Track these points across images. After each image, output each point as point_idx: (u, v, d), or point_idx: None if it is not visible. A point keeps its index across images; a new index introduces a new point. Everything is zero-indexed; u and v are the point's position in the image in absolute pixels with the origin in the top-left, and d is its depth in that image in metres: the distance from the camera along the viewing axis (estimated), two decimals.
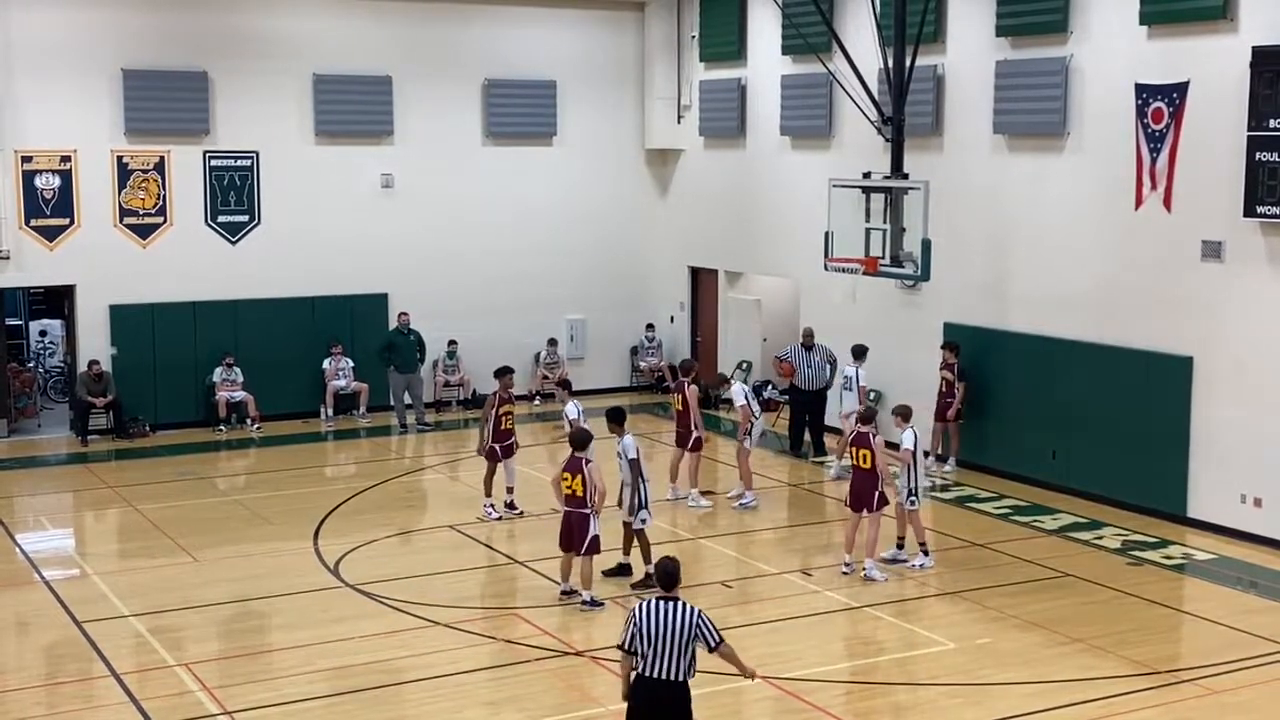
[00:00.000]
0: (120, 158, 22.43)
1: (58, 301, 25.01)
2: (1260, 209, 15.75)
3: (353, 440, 22.80)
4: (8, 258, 21.81)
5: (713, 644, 9.19)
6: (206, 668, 12.65)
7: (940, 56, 20.07)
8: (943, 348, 19.77)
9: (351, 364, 23.64)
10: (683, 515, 17.80)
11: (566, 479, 14.02)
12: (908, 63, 18.08)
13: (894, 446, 15.66)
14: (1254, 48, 15.76)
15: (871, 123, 18.93)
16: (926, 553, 15.59)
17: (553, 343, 25.34)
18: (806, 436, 21.09)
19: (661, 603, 9.13)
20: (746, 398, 18.40)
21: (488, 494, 17.63)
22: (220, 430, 22.68)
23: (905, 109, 18.39)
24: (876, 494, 15.00)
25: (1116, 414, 17.75)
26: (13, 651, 13.55)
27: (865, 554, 15.05)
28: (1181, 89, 16.67)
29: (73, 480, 20.24)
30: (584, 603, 14.05)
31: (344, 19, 23.72)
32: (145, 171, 22.59)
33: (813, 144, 22.56)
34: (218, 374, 22.86)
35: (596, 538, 14.01)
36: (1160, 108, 16.93)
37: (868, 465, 14.99)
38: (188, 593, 14.73)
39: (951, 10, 19.98)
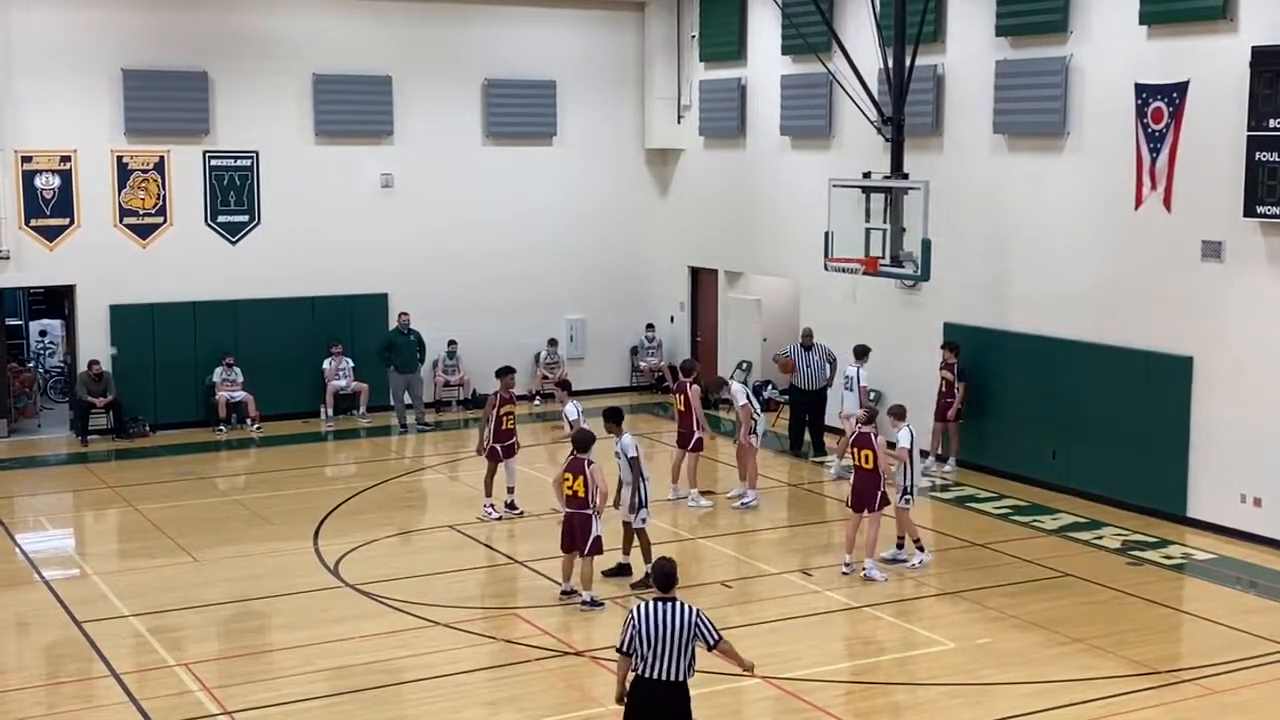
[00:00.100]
0: (120, 158, 22.43)
1: (58, 301, 25.02)
2: (1260, 209, 15.75)
3: (353, 440, 22.80)
4: (8, 258, 21.81)
5: (712, 642, 9.22)
6: (206, 668, 12.65)
7: (940, 56, 20.07)
8: (943, 348, 19.77)
9: (351, 364, 23.64)
10: (683, 515, 17.80)
11: (568, 479, 14.02)
12: (908, 63, 18.07)
13: (892, 446, 15.65)
14: (1254, 48, 15.76)
15: (871, 123, 18.93)
16: (922, 549, 15.60)
17: (553, 343, 25.34)
18: (806, 436, 21.09)
19: (659, 604, 9.14)
20: (747, 397, 18.41)
21: (488, 494, 17.63)
22: (220, 430, 22.68)
23: (905, 109, 18.38)
24: (878, 494, 15.00)
25: (1116, 414, 17.75)
26: (13, 651, 13.56)
27: (865, 554, 15.06)
28: (1181, 89, 16.67)
29: (73, 480, 20.24)
30: (584, 603, 14.06)
31: (344, 19, 23.72)
32: (145, 171, 22.60)
33: (813, 144, 22.56)
34: (218, 374, 22.87)
35: (599, 538, 14.02)
36: (1160, 108, 16.93)
37: (870, 465, 14.99)
38: (188, 593, 14.73)
39: (951, 10, 19.98)
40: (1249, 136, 15.76)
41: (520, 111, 24.91)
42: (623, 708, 9.38)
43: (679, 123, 25.60)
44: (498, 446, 17.47)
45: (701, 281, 25.93)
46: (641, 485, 14.70)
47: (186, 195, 22.85)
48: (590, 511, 13.94)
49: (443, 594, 14.62)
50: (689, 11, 25.28)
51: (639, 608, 9.17)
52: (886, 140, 18.50)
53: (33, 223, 21.95)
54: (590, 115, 25.57)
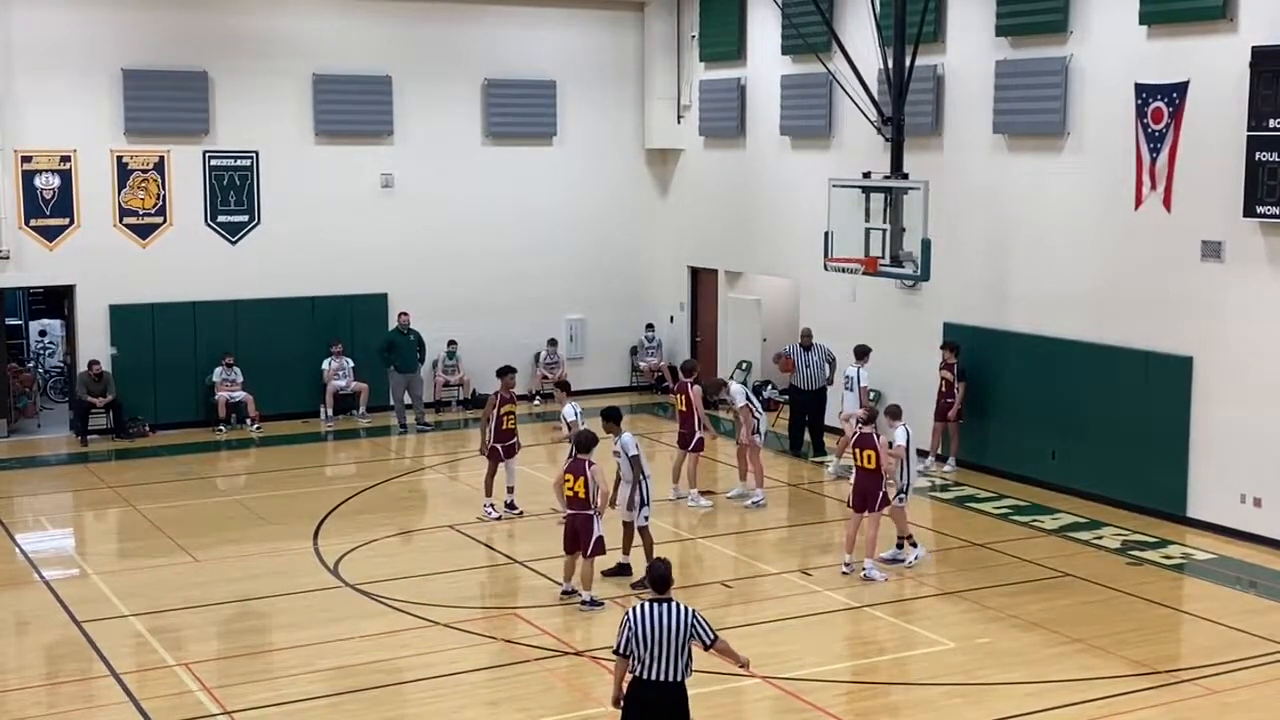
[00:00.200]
0: (120, 158, 22.43)
1: (58, 301, 25.02)
2: (1260, 209, 15.75)
3: (353, 440, 22.80)
4: (8, 258, 21.80)
5: (708, 641, 9.24)
6: (206, 668, 12.66)
7: (940, 56, 20.07)
8: (942, 348, 19.77)
9: (351, 364, 23.64)
10: (683, 515, 17.80)
11: (569, 481, 14.02)
12: (907, 63, 18.08)
13: (890, 445, 15.64)
14: (1254, 48, 15.76)
15: (871, 123, 18.93)
16: (915, 544, 15.60)
17: (553, 343, 25.34)
18: (806, 436, 21.10)
19: (656, 605, 9.15)
20: (746, 398, 18.42)
21: (488, 494, 17.63)
22: (220, 430, 22.68)
23: (905, 109, 18.38)
24: (879, 494, 15.01)
25: (1116, 414, 17.75)
26: (13, 651, 13.55)
27: (865, 554, 15.06)
28: (1181, 89, 16.68)
29: (73, 480, 20.24)
30: (584, 603, 14.06)
31: (344, 19, 23.72)
32: (145, 171, 22.59)
33: (813, 144, 22.57)
34: (218, 374, 22.87)
35: (601, 539, 14.02)
36: (1160, 108, 16.93)
37: (872, 465, 14.99)
38: (188, 593, 14.73)
39: (951, 10, 19.98)
40: (1249, 136, 15.76)
41: (520, 111, 24.91)
42: (619, 710, 9.38)
43: (679, 123, 25.61)
44: (498, 446, 17.47)
45: (701, 281, 25.93)
46: (643, 483, 14.72)
47: (186, 195, 22.85)
48: (592, 512, 13.94)
49: (443, 594, 14.61)
50: (689, 11, 25.28)
51: (635, 609, 9.18)
52: (886, 140, 18.50)
53: (33, 223, 21.95)
54: (590, 115, 25.56)
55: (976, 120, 19.57)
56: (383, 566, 15.68)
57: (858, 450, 15.11)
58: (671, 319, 26.37)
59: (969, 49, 19.71)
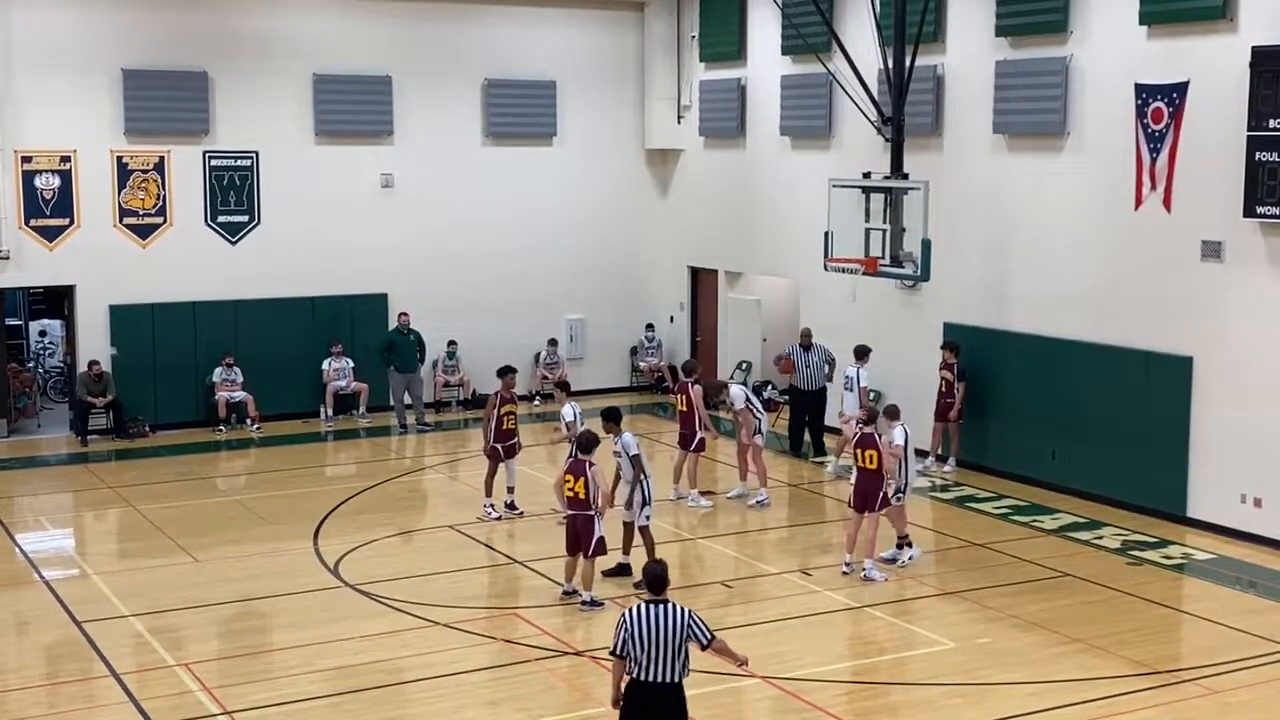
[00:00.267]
0: (120, 158, 22.43)
1: (58, 301, 25.02)
2: (1260, 209, 15.75)
3: (353, 440, 22.80)
4: (8, 258, 21.80)
5: (705, 641, 9.22)
6: (206, 668, 12.66)
7: (940, 56, 20.07)
8: (943, 348, 19.77)
9: (351, 364, 23.63)
10: (684, 515, 17.80)
11: (569, 481, 14.02)
12: (908, 63, 18.08)
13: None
14: (1254, 48, 15.76)
15: (871, 123, 18.93)
16: (910, 544, 15.60)
17: (553, 343, 25.34)
18: (806, 436, 21.10)
19: (652, 606, 9.14)
20: (747, 400, 18.40)
21: (488, 494, 17.63)
22: (220, 430, 22.68)
23: (905, 109, 18.38)
24: (880, 494, 15.01)
25: (1116, 414, 17.75)
26: (13, 651, 13.55)
27: (864, 554, 15.06)
28: (1181, 89, 16.68)
29: (73, 480, 20.24)
30: (584, 603, 14.06)
31: (344, 19, 23.72)
32: (145, 171, 22.59)
33: (813, 144, 22.57)
34: (218, 374, 22.87)
35: (602, 539, 14.02)
36: (1160, 108, 16.93)
37: (873, 466, 14.99)
38: (188, 593, 14.72)
39: (951, 10, 19.98)
40: (1249, 136, 15.76)
41: (520, 111, 24.91)
42: (618, 711, 9.37)
43: (679, 123, 25.61)
44: (499, 446, 17.47)
45: (701, 281, 25.93)
46: (644, 483, 14.73)
47: (186, 195, 22.85)
48: (593, 513, 13.94)
49: (443, 594, 14.61)
50: (689, 11, 25.28)
51: (631, 610, 9.18)
52: (886, 140, 18.50)
53: (33, 223, 21.95)
54: (590, 115, 25.56)
55: (976, 120, 19.57)
56: (383, 566, 15.68)
57: (859, 450, 15.11)
58: (671, 319, 26.38)
59: (969, 49, 19.71)
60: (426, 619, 13.84)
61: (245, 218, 23.29)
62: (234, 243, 23.24)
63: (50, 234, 22.08)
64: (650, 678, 9.07)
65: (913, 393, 19.72)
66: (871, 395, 20.03)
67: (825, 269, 19.06)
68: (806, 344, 20.87)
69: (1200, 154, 16.54)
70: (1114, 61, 17.60)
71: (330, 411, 23.46)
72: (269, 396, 23.11)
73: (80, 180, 22.16)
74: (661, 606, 9.14)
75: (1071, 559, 15.85)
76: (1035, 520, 17.48)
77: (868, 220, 18.16)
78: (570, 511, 14.12)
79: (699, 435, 18.11)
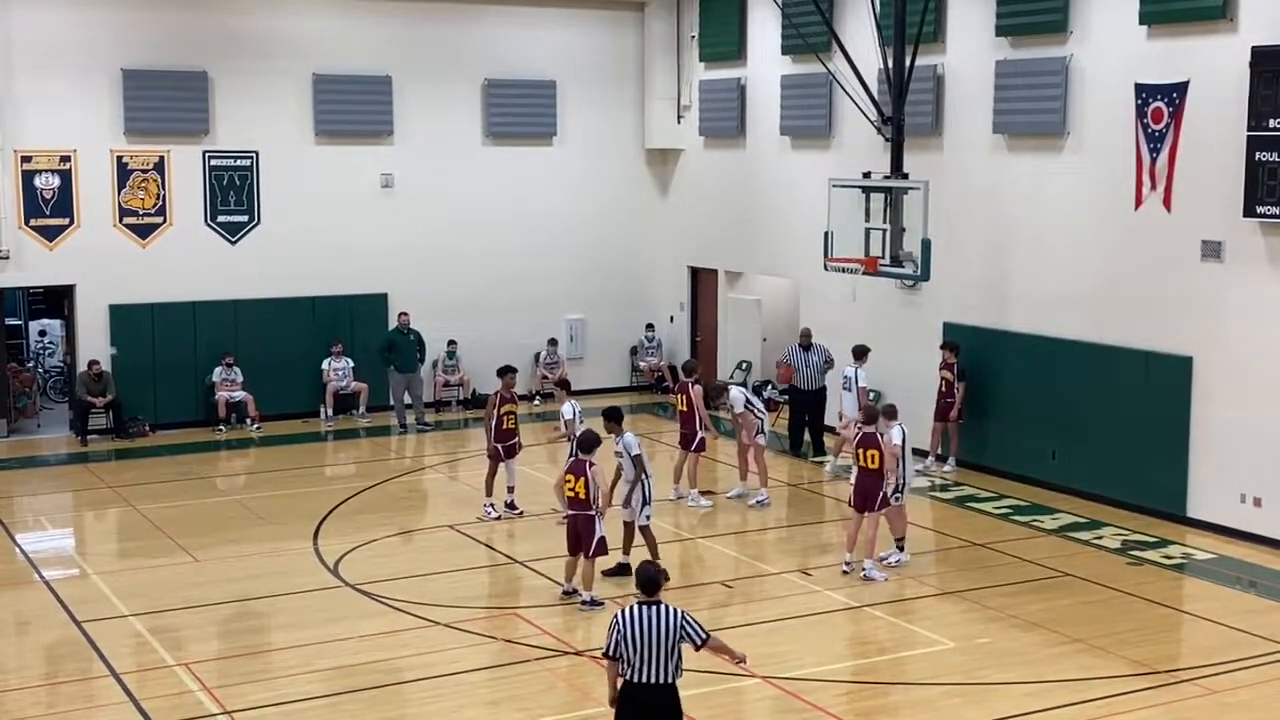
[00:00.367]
0: (120, 158, 22.43)
1: (57, 301, 25.02)
2: (1260, 209, 15.75)
3: (353, 440, 22.80)
4: (8, 258, 21.81)
5: (699, 641, 9.18)
6: (206, 667, 12.65)
7: (940, 56, 20.07)
8: (942, 348, 19.77)
9: (351, 364, 23.63)
10: (684, 515, 17.80)
11: (570, 481, 14.02)
12: (908, 63, 18.07)
13: None
14: (1254, 48, 15.75)
15: (871, 123, 18.93)
16: (901, 548, 15.59)
17: (553, 343, 25.34)
18: (806, 436, 21.11)
19: (644, 608, 9.11)
20: (747, 402, 18.38)
21: (488, 494, 17.63)
22: (220, 430, 22.68)
23: (905, 109, 18.38)
24: (880, 494, 15.00)
25: (1116, 414, 17.75)
26: (13, 651, 13.54)
27: (864, 554, 15.06)
28: (1181, 89, 16.68)
29: (73, 480, 20.24)
30: (584, 603, 14.06)
31: (344, 19, 23.72)
32: (145, 171, 22.59)
33: (813, 144, 22.57)
34: (218, 374, 22.87)
35: (603, 539, 14.02)
36: (1160, 108, 16.93)
37: (874, 465, 14.98)
38: (188, 593, 14.72)
39: (951, 10, 19.98)
40: (1249, 136, 15.76)
41: (520, 111, 24.91)
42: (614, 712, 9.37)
43: (679, 123, 25.61)
44: (499, 446, 17.47)
45: (701, 281, 25.92)
46: (645, 483, 14.72)
47: (186, 195, 22.85)
48: (593, 513, 13.94)
49: (443, 594, 14.61)
50: (689, 11, 25.28)
51: (623, 612, 9.15)
52: (886, 140, 18.50)
53: (32, 223, 21.95)
54: (590, 115, 25.56)
55: (976, 120, 19.57)
56: (383, 566, 15.68)
57: (861, 450, 15.10)
58: (671, 319, 26.38)
59: (969, 49, 19.71)
60: (426, 619, 13.84)
61: (245, 218, 23.29)
62: (234, 243, 23.24)
63: (50, 234, 22.08)
64: (643, 679, 9.04)
65: (912, 393, 19.73)
66: (871, 395, 20.02)
67: (825, 269, 19.05)
68: (806, 344, 20.87)
69: (1200, 154, 16.54)
70: (1114, 61, 17.60)
71: (330, 411, 23.46)
72: (269, 396, 23.11)
73: (80, 180, 22.16)
74: (653, 608, 9.10)
75: (1071, 559, 15.84)
76: (1035, 520, 17.47)
77: (868, 220, 18.16)
78: (571, 511, 14.12)
79: (699, 435, 18.11)
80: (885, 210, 17.93)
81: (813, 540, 16.88)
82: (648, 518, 14.82)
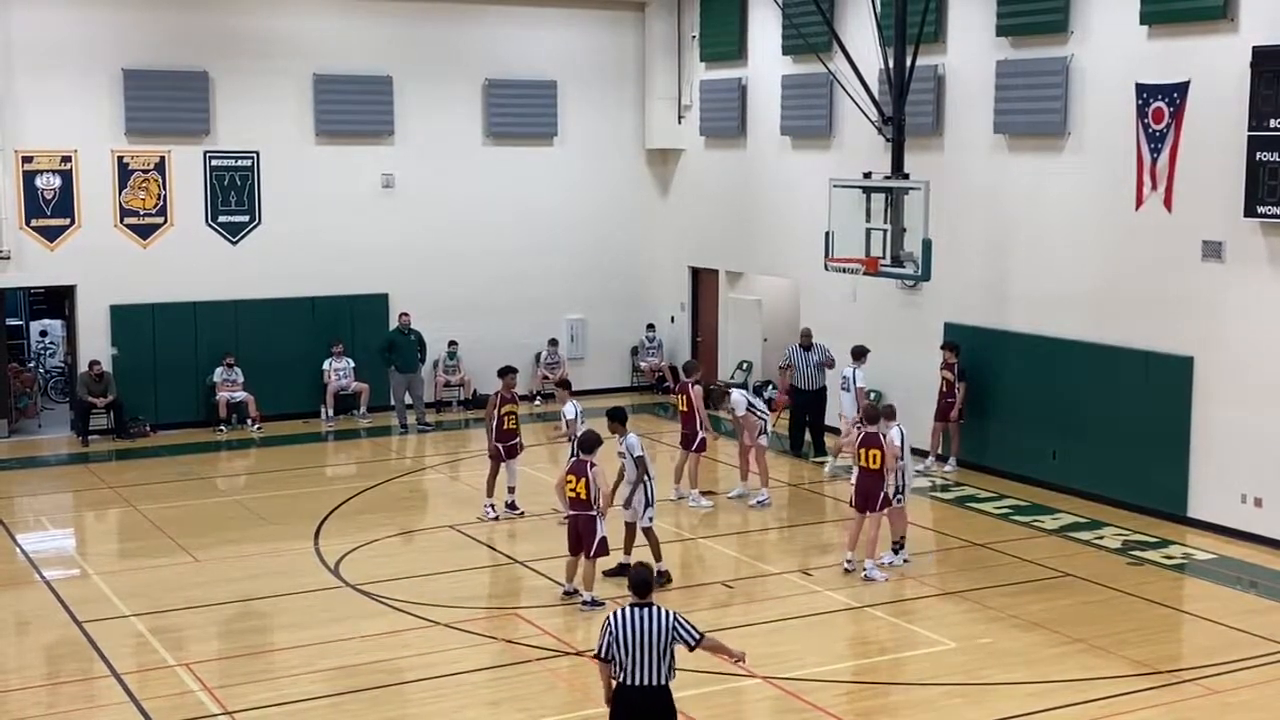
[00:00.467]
0: (120, 158, 22.43)
1: (58, 301, 25.03)
2: (1260, 209, 15.75)
3: (353, 440, 22.80)
4: (8, 258, 21.81)
5: (692, 642, 9.14)
6: (207, 668, 12.66)
7: (940, 56, 20.07)
8: (943, 348, 19.77)
9: (352, 364, 23.63)
10: (684, 515, 17.80)
11: (571, 481, 14.02)
12: (908, 63, 18.07)
13: None
14: (1254, 48, 15.76)
15: (872, 123, 18.93)
16: (898, 550, 15.58)
17: (553, 343, 25.35)
18: (806, 436, 21.11)
19: (636, 610, 9.08)
20: (748, 405, 18.35)
21: (489, 494, 17.63)
22: (220, 430, 22.68)
23: (905, 109, 18.38)
24: (881, 494, 15.01)
25: (1116, 414, 17.75)
26: (13, 651, 13.55)
27: (865, 554, 15.06)
28: (1181, 89, 16.68)
29: (73, 480, 20.24)
30: (584, 603, 14.06)
31: (344, 19, 23.73)
32: (145, 171, 22.60)
33: (813, 144, 22.57)
34: (218, 374, 22.87)
35: (604, 539, 14.02)
36: (1160, 108, 16.94)
37: (875, 465, 14.98)
38: (188, 593, 14.73)
39: (951, 10, 19.98)
40: (1249, 136, 15.76)
41: (520, 111, 24.91)
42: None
43: (679, 123, 25.61)
44: (500, 446, 17.47)
45: (702, 281, 25.93)
46: (647, 484, 14.73)
47: (187, 195, 22.85)
48: (594, 513, 13.94)
49: (444, 594, 14.61)
50: (689, 11, 25.28)
51: (615, 614, 9.12)
52: (887, 140, 18.50)
53: (33, 223, 21.96)
54: (590, 115, 25.57)
55: (977, 120, 19.57)
56: (383, 566, 15.69)
57: (863, 450, 15.10)
58: (672, 319, 26.38)
59: (969, 49, 19.71)
60: (427, 619, 13.84)
61: (246, 218, 23.29)
62: (234, 243, 23.25)
63: (51, 234, 22.08)
64: (635, 681, 9.00)
65: (913, 393, 19.74)
66: (871, 395, 20.03)
67: (826, 269, 19.05)
68: (806, 344, 20.87)
69: (1201, 154, 16.54)
70: (1114, 61, 17.60)
71: (331, 411, 23.47)
72: (269, 396, 23.12)
73: (81, 180, 22.16)
74: (645, 610, 9.07)
75: (1072, 559, 15.85)
76: (1036, 520, 17.48)
77: (868, 220, 18.16)
78: (572, 512, 14.12)
79: (700, 435, 18.11)
80: (886, 210, 17.94)
81: (813, 540, 16.89)
82: (650, 519, 14.83)
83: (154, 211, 22.72)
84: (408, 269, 24.24)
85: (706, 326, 25.82)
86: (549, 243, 25.31)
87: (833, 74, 19.82)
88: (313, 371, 23.53)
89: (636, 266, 26.24)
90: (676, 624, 9.08)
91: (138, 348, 22.58)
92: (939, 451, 19.97)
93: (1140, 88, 17.15)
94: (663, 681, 9.05)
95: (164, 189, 22.74)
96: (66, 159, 22.11)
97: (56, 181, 22.08)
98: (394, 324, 23.72)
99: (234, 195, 23.16)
